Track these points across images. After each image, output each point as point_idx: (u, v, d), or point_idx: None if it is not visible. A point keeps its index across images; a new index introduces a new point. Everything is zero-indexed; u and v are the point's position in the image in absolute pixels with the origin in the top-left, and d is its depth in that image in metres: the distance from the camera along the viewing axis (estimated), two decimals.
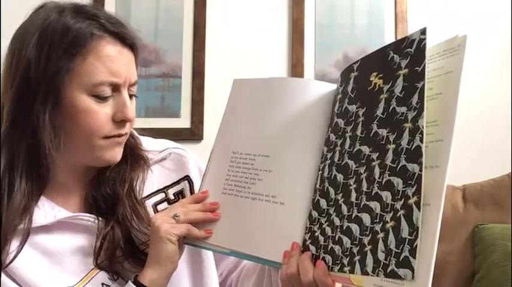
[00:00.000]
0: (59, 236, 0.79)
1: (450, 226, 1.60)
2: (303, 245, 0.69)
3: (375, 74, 0.66)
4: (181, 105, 1.95)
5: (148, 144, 0.91)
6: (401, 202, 0.57)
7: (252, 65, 1.97)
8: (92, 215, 0.81)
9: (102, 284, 0.78)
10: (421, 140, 0.57)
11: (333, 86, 0.77)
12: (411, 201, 0.56)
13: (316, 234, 0.68)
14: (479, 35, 2.00)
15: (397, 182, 0.58)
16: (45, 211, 0.79)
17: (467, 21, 2.01)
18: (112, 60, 0.77)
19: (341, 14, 2.01)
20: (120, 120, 0.78)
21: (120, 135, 0.80)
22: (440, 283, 1.56)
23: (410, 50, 0.61)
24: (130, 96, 0.81)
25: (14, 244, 0.76)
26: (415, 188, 0.56)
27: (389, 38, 1.99)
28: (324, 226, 0.67)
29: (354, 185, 0.64)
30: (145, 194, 0.86)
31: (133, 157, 0.86)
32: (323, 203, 0.68)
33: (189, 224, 0.76)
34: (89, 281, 0.78)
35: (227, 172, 0.79)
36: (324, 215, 0.68)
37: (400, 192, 0.58)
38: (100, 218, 0.81)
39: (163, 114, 1.95)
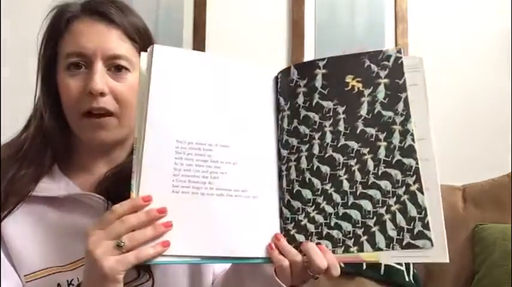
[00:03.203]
0: (67, 214, 0.80)
1: (450, 226, 1.59)
2: (286, 234, 0.70)
3: (351, 76, 0.73)
4: None
5: None
6: (403, 189, 0.69)
7: None
8: (102, 197, 0.81)
9: None
10: (413, 140, 0.70)
11: (268, 71, 0.77)
12: (413, 188, 0.68)
13: (303, 223, 0.70)
14: (479, 34, 2.00)
15: (395, 173, 0.69)
16: (60, 185, 0.82)
17: (467, 21, 2.01)
18: (81, 34, 0.80)
19: (341, 14, 2.01)
20: (88, 93, 0.78)
21: (93, 110, 0.79)
22: (440, 282, 1.56)
23: (387, 63, 0.73)
24: (118, 69, 0.81)
25: (11, 207, 0.78)
26: (415, 177, 0.68)
27: (389, 37, 1.99)
28: (312, 214, 0.70)
29: (345, 176, 0.71)
30: None
31: None
32: (307, 193, 0.71)
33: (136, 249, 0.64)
34: (81, 266, 0.76)
35: (174, 165, 0.67)
36: (310, 205, 0.71)
37: (400, 181, 0.69)
38: (110, 203, 0.80)
39: None
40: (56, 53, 0.83)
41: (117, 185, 0.77)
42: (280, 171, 0.73)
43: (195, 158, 0.68)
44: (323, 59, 0.75)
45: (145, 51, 0.80)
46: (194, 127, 0.70)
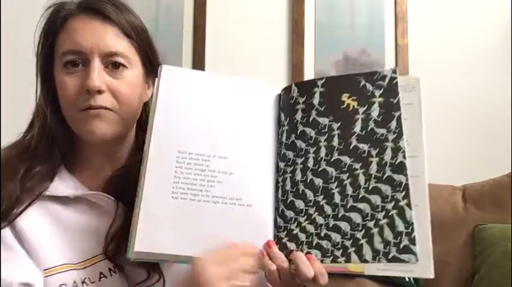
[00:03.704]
0: (76, 213, 0.80)
1: (450, 226, 1.60)
2: (278, 242, 0.74)
3: (346, 95, 0.77)
4: None
5: None
6: (392, 204, 0.70)
7: (252, 65, 1.97)
8: (111, 197, 0.82)
9: (101, 273, 0.78)
10: (404, 157, 0.71)
11: (272, 90, 0.82)
12: (402, 203, 0.70)
13: (295, 232, 0.74)
14: (479, 34, 2.00)
15: (385, 188, 0.71)
16: (68, 185, 0.82)
17: (467, 21, 2.01)
18: (76, 31, 0.80)
19: (341, 14, 2.01)
20: (86, 91, 0.78)
21: (91, 108, 0.79)
22: (440, 283, 1.56)
23: (382, 83, 0.75)
24: (116, 67, 0.81)
25: (26, 204, 0.78)
26: (404, 193, 0.70)
27: (389, 38, 1.99)
28: (303, 224, 0.74)
29: (337, 189, 0.73)
30: None
31: None
32: (300, 204, 0.75)
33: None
34: (90, 265, 0.78)
35: (175, 173, 0.73)
36: (302, 215, 0.74)
37: (390, 196, 0.71)
38: (120, 204, 0.82)
39: None
40: (52, 51, 0.83)
41: (124, 185, 0.80)
42: (277, 182, 0.77)
43: (194, 167, 0.74)
44: (322, 79, 0.79)
45: (142, 48, 0.83)
46: (195, 140, 0.75)
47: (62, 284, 0.76)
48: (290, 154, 0.78)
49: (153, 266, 0.80)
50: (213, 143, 0.76)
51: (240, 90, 0.80)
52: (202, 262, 0.67)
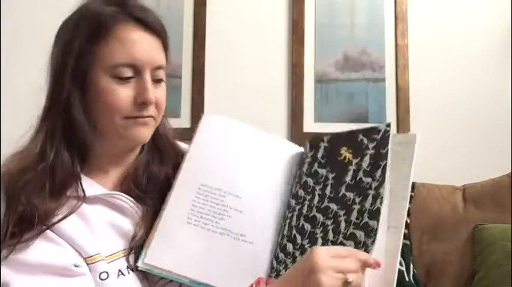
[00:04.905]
0: (97, 211, 0.81)
1: (450, 226, 1.60)
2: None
3: (345, 148, 0.83)
4: (181, 105, 1.96)
5: (183, 148, 0.96)
6: (363, 249, 0.73)
7: (252, 65, 1.97)
8: (130, 198, 0.84)
9: (119, 270, 0.79)
10: (381, 203, 0.75)
11: (299, 148, 0.92)
12: (370, 248, 0.72)
13: (282, 273, 0.78)
14: (479, 34, 2.00)
15: (360, 234, 0.74)
16: (85, 186, 0.82)
17: (467, 21, 2.01)
18: (132, 44, 0.81)
19: (341, 14, 2.01)
20: (140, 103, 0.81)
21: (140, 117, 0.82)
22: (440, 283, 1.56)
23: (376, 137, 0.81)
24: (158, 80, 0.85)
25: (60, 209, 0.78)
26: (373, 238, 0.73)
27: (389, 38, 1.99)
28: (288, 266, 0.78)
29: (321, 234, 0.78)
30: None
31: (169, 155, 0.92)
32: (290, 247, 0.80)
33: None
34: (111, 261, 0.79)
35: (193, 202, 0.83)
36: (289, 257, 0.79)
37: (362, 242, 0.74)
38: (140, 206, 0.84)
39: None
40: (91, 54, 0.80)
41: (138, 185, 0.86)
42: (280, 227, 0.84)
43: (210, 200, 0.83)
44: (329, 135, 0.88)
45: (168, 58, 0.88)
46: (217, 176, 0.85)
47: (103, 272, 0.77)
48: (293, 202, 0.85)
49: None
50: (232, 182, 0.85)
51: (266, 144, 0.92)
52: (319, 250, 0.69)
